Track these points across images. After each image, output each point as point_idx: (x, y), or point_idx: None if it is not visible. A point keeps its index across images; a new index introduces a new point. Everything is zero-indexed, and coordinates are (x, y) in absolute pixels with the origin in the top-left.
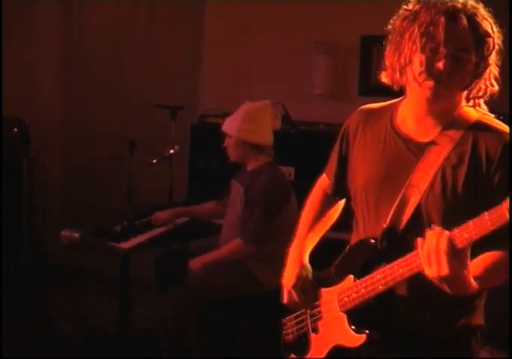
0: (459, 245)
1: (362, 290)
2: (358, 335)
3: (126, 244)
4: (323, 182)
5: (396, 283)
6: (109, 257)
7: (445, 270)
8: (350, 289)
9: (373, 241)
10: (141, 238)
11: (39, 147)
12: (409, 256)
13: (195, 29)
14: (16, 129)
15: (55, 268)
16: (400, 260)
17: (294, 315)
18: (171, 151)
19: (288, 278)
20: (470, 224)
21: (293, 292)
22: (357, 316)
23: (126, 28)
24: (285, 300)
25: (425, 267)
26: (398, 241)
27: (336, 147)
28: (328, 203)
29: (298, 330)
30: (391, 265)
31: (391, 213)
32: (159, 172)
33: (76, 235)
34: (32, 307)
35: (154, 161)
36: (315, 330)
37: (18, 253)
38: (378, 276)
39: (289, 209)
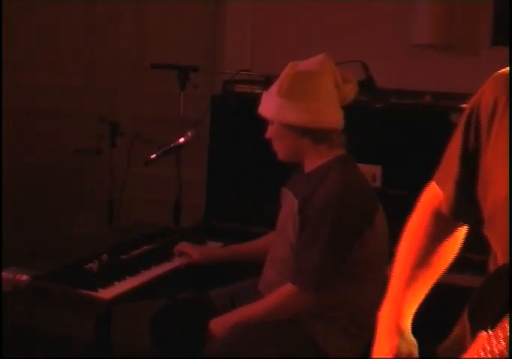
0: None
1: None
2: None
3: (106, 293)
4: (433, 195)
5: None
6: (80, 314)
7: None
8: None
9: None
10: (130, 283)
11: None
12: None
13: None
14: None
15: None
16: None
17: None
18: (181, 140)
19: (381, 354)
20: None
21: None
22: None
23: None
24: None
25: None
26: None
27: (456, 138)
28: (442, 231)
29: None
30: None
31: None
32: (161, 173)
33: (25, 277)
34: None
35: (153, 156)
36: None
37: None
38: None
39: (373, 235)
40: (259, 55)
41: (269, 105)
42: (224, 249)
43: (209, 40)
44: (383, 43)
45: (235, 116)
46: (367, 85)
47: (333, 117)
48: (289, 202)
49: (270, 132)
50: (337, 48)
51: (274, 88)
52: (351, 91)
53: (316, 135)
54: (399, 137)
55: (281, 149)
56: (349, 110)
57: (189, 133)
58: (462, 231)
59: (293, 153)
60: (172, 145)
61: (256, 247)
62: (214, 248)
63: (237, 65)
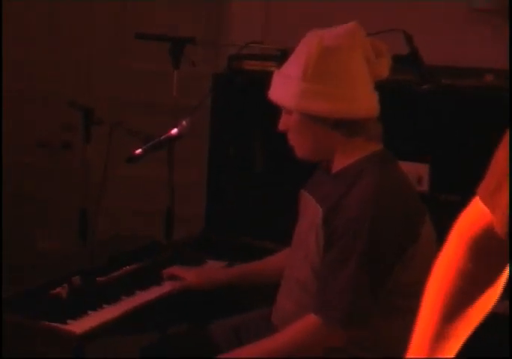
0: None
1: None
2: None
3: (77, 326)
4: (475, 217)
5: None
6: (45, 352)
7: None
8: None
9: None
10: (108, 314)
11: None
12: None
13: None
14: None
15: None
16: None
17: None
18: (174, 131)
19: None
20: None
21: None
22: None
23: None
24: None
25: None
26: None
27: None
28: (485, 266)
29: None
30: None
31: None
32: (148, 173)
33: None
34: None
35: (139, 151)
36: None
37: None
38: None
39: (419, 253)
40: (273, 24)
41: (288, 90)
42: (227, 270)
43: (211, 4)
44: (431, 8)
45: (243, 100)
46: (410, 61)
47: (369, 103)
48: (310, 210)
49: (287, 124)
50: (370, 14)
51: (292, 68)
52: (384, 68)
53: (350, 127)
54: (451, 127)
55: (303, 145)
56: (387, 93)
57: (184, 122)
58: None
59: (318, 150)
60: (162, 137)
61: (268, 268)
62: (215, 269)
63: (246, 36)
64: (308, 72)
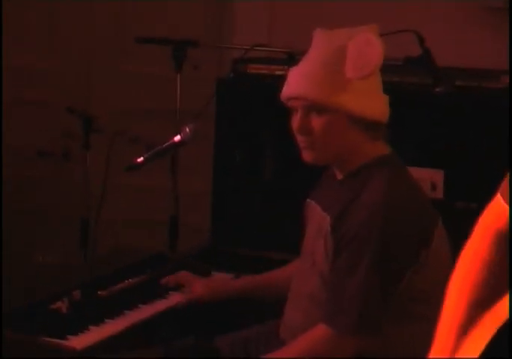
0: None
1: None
2: None
3: (78, 342)
4: (497, 213)
5: None
6: None
7: None
8: None
9: None
10: (110, 329)
11: None
12: None
13: None
14: None
15: None
16: None
17: None
18: (177, 138)
19: None
20: None
21: None
22: None
23: None
24: None
25: None
26: None
27: None
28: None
29: None
30: None
31: None
32: (150, 183)
33: None
34: None
35: (140, 159)
36: None
37: None
38: None
39: (431, 259)
40: (279, 26)
41: (325, 88)
42: (235, 282)
43: (214, 6)
44: (444, 7)
45: (249, 105)
46: (423, 63)
47: (378, 105)
48: (317, 218)
49: (311, 125)
50: (382, 14)
51: (304, 66)
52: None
53: (376, 130)
54: (466, 131)
55: (328, 148)
56: (400, 95)
57: (188, 129)
58: None
59: (341, 152)
60: (165, 145)
61: (277, 279)
62: (221, 281)
63: (251, 39)
64: (358, 68)
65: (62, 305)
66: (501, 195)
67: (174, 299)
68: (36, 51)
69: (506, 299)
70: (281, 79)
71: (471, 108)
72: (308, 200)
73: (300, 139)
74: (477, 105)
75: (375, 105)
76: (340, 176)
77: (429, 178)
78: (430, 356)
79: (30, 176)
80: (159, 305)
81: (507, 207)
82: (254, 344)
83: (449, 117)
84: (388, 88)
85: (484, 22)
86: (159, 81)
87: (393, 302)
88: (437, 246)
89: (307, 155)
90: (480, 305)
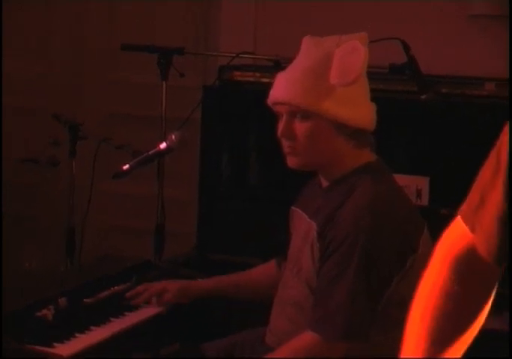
0: None
1: None
2: None
3: (64, 349)
4: (457, 236)
5: None
6: None
7: None
8: None
9: None
10: (96, 336)
11: None
12: None
13: None
14: None
15: None
16: None
17: None
18: (163, 145)
19: None
20: None
21: None
22: None
23: None
24: None
25: None
26: None
27: (494, 157)
28: (471, 285)
29: None
30: None
31: None
32: (136, 190)
33: None
34: None
35: (126, 167)
36: None
37: None
38: None
39: (417, 264)
40: (265, 33)
41: (312, 94)
42: (208, 281)
43: (200, 14)
44: (429, 15)
45: (235, 113)
46: (408, 70)
47: (365, 112)
48: (303, 226)
49: (295, 130)
50: (368, 22)
51: (311, 72)
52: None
53: (361, 137)
54: (452, 138)
55: (311, 153)
56: (385, 103)
57: (174, 136)
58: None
59: (324, 159)
60: (151, 152)
61: (253, 278)
62: (193, 281)
63: (237, 46)
64: (351, 76)
65: (48, 313)
66: (462, 217)
67: (158, 306)
68: (24, 58)
69: (471, 333)
70: (267, 86)
71: (456, 115)
72: (293, 207)
73: (284, 144)
74: (462, 112)
75: (360, 112)
76: (325, 184)
77: (414, 185)
78: None
79: (16, 183)
80: (145, 313)
81: (467, 229)
82: (239, 350)
83: (434, 124)
84: (374, 96)
85: (469, 30)
86: (146, 89)
87: (380, 308)
88: (423, 252)
89: (291, 161)
90: (440, 343)
